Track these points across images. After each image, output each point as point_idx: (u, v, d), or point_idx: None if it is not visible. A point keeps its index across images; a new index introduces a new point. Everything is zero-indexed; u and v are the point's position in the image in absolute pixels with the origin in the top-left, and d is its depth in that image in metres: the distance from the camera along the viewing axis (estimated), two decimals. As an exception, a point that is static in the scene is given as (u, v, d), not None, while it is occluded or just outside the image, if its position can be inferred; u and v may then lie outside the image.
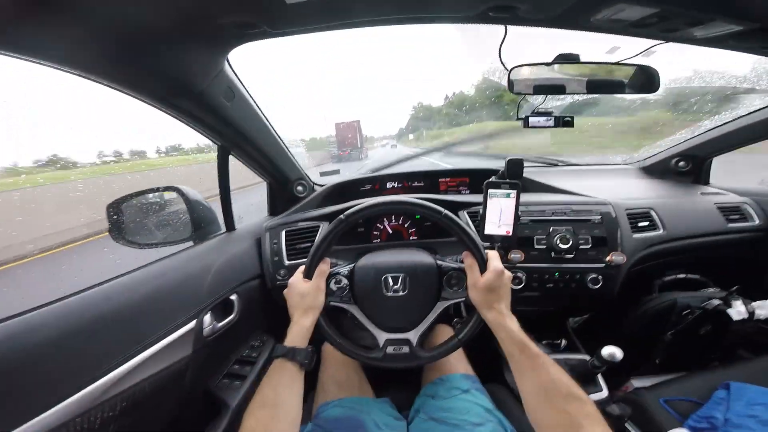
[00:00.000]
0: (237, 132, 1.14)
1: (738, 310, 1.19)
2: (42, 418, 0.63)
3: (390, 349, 0.90)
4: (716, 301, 1.23)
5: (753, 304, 1.21)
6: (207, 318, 1.00)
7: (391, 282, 0.92)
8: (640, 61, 1.03)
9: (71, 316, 0.73)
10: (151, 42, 0.73)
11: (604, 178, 1.93)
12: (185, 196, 1.20)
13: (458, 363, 1.08)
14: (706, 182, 1.78)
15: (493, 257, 0.85)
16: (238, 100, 1.06)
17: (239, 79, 1.03)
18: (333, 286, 0.93)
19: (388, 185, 1.74)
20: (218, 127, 1.09)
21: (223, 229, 1.32)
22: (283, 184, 1.54)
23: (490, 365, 1.18)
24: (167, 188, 1.22)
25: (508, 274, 0.84)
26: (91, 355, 0.73)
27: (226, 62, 0.93)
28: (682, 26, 0.76)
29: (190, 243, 1.18)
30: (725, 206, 1.50)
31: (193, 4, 0.66)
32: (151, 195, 1.21)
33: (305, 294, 0.86)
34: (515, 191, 1.04)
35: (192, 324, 0.95)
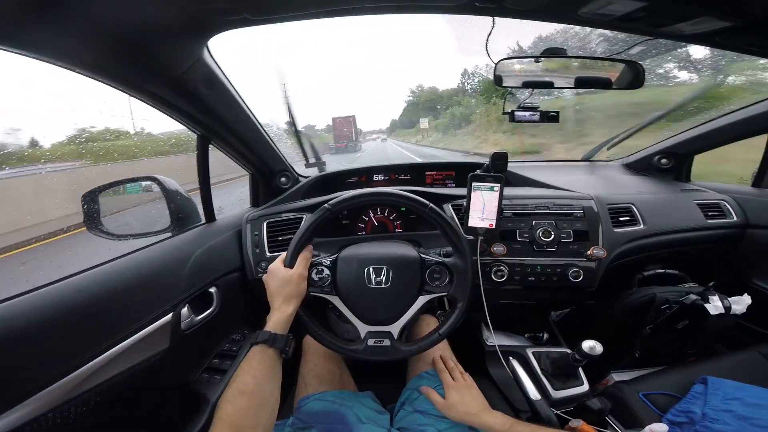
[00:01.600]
0: (217, 121, 1.11)
1: (715, 305, 1.20)
2: (10, 413, 0.60)
3: (371, 342, 0.90)
4: (694, 296, 1.24)
5: (729, 299, 1.23)
6: (184, 311, 0.98)
7: (373, 274, 0.91)
8: (626, 56, 1.03)
9: (41, 309, 0.70)
10: (125, 26, 0.69)
11: (588, 173, 1.95)
12: (163, 186, 1.16)
13: None
14: (687, 179, 1.81)
15: (448, 384, 0.95)
16: (219, 89, 1.02)
17: (220, 68, 0.99)
18: (315, 276, 0.92)
19: (375, 177, 1.73)
20: (197, 115, 1.06)
21: (203, 220, 1.28)
22: (266, 175, 1.51)
23: (475, 359, 1.18)
24: (145, 178, 1.19)
25: (459, 381, 0.95)
26: (63, 348, 0.71)
27: (205, 50, 0.90)
28: (670, 21, 0.75)
29: (168, 234, 1.14)
30: (704, 203, 1.53)
31: None
32: (128, 184, 1.18)
33: (287, 281, 0.84)
34: (499, 185, 1.05)
35: (168, 317, 0.92)
